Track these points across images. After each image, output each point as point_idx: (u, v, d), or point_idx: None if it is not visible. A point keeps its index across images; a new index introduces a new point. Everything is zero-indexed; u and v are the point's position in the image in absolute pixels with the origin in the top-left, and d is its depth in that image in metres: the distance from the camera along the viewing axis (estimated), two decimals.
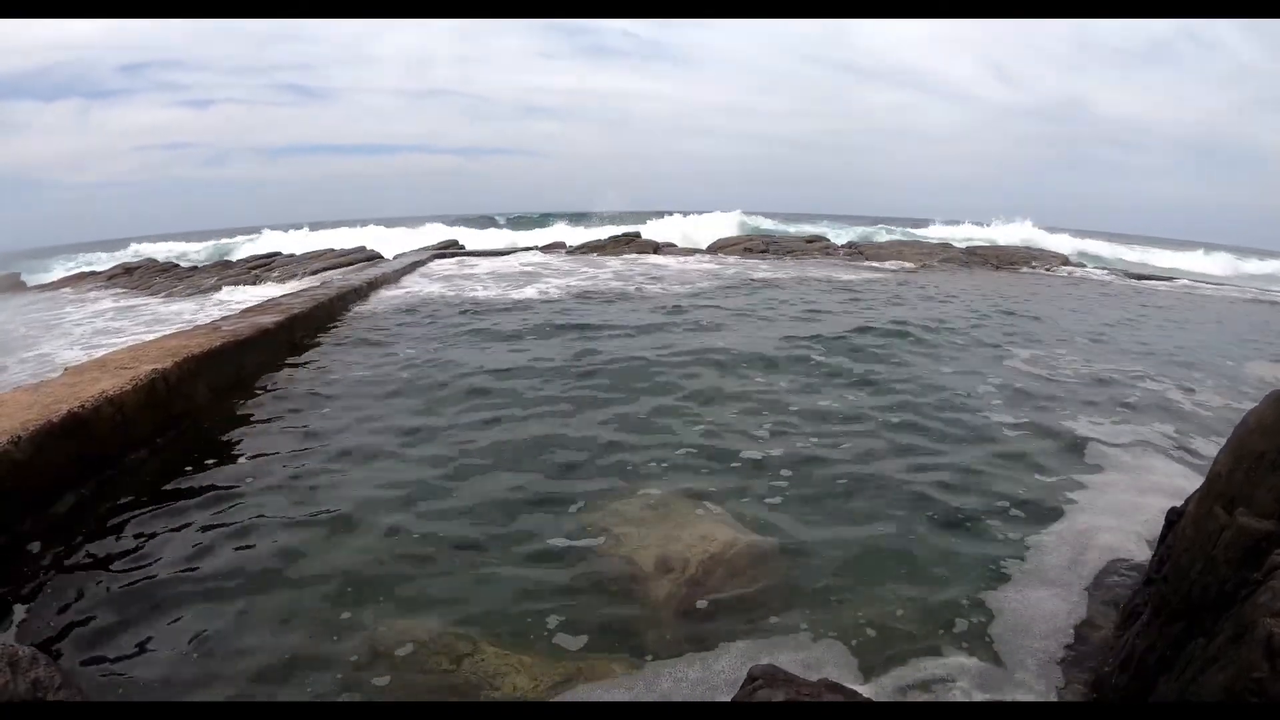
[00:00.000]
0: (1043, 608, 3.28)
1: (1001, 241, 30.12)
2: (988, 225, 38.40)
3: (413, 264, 17.89)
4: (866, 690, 2.70)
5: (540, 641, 3.07)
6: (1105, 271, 21.75)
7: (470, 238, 31.86)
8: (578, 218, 49.59)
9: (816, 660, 2.94)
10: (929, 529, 4.09)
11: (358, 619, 3.22)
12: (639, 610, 3.30)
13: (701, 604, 3.32)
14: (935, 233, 38.36)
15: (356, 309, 11.50)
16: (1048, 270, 20.49)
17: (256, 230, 46.87)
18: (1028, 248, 22.86)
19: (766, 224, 43.32)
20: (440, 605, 3.34)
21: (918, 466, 4.93)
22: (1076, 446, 5.35)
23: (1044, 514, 4.27)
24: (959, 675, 2.84)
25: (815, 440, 5.37)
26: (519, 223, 43.60)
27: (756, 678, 2.20)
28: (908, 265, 20.26)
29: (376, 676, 2.81)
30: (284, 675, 2.83)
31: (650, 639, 3.09)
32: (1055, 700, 2.68)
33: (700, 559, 3.62)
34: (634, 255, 21.73)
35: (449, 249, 24.59)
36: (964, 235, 34.70)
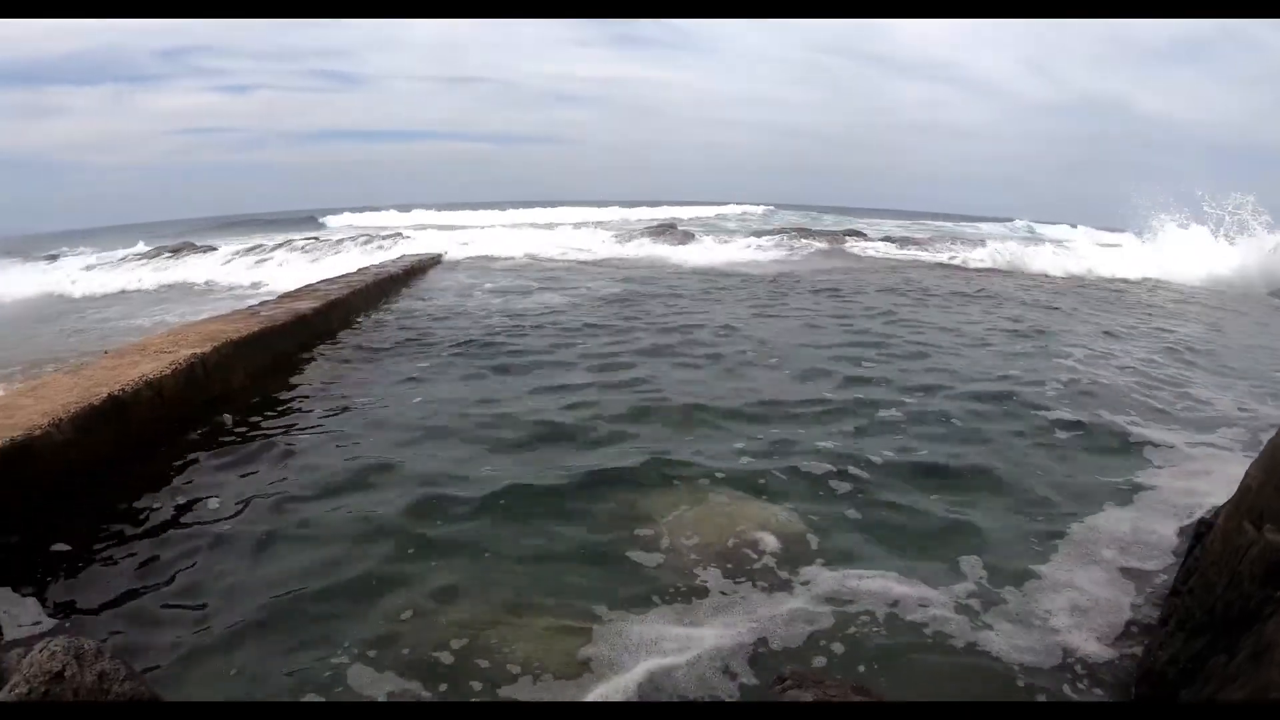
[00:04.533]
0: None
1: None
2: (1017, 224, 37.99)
3: (450, 252, 18.01)
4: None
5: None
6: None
7: (504, 224, 31.98)
8: (608, 205, 49.77)
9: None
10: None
11: (406, 594, 3.29)
12: None
13: None
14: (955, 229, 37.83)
15: (393, 296, 11.62)
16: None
17: (293, 215, 47.85)
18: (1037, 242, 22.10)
19: (794, 216, 43.29)
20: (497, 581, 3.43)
21: None
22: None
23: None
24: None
25: None
26: (553, 209, 43.82)
27: (785, 678, 2.23)
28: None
29: (434, 651, 2.90)
30: (331, 651, 2.90)
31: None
32: (1056, 701, 2.63)
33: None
34: (672, 245, 21.52)
35: (484, 234, 24.71)
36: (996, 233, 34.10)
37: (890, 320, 10.02)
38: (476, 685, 2.70)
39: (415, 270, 14.47)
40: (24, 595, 3.20)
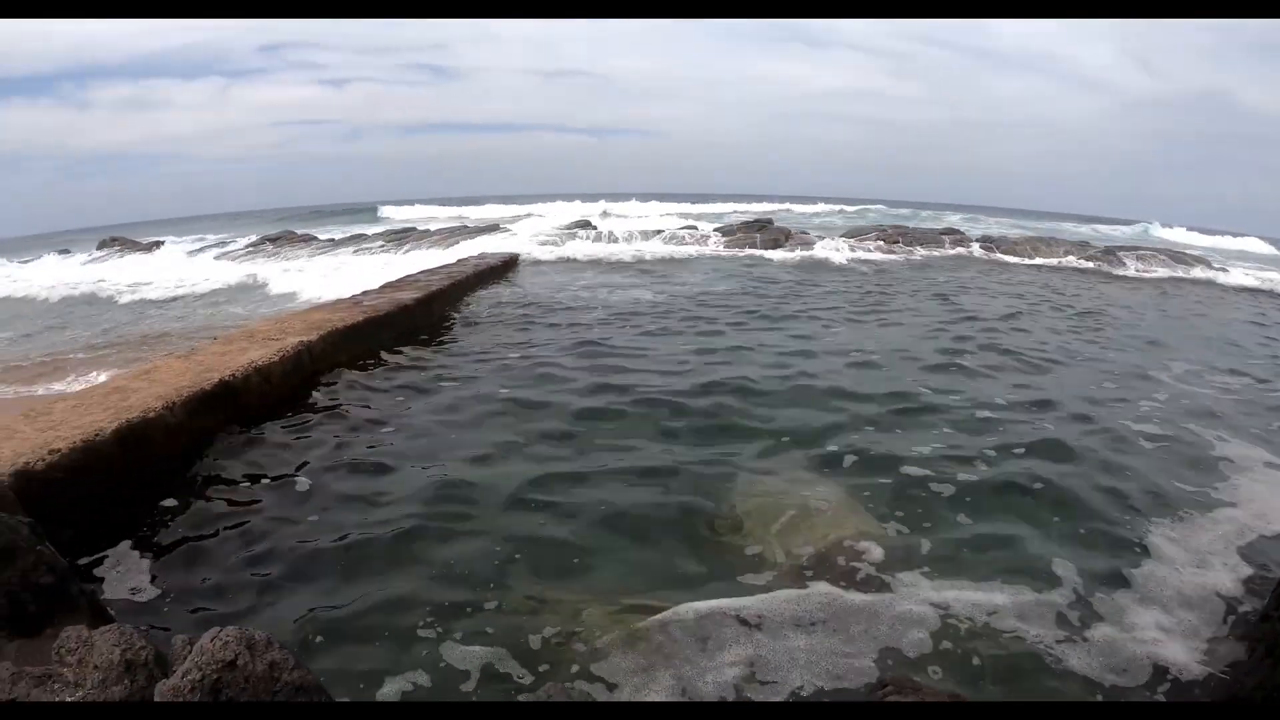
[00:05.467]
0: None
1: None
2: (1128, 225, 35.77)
3: (546, 243, 18.00)
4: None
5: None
6: None
7: (602, 215, 32.05)
8: (704, 199, 49.59)
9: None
10: None
11: (501, 575, 3.32)
12: None
13: None
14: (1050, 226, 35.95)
15: (492, 288, 11.62)
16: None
17: (391, 204, 49.44)
18: (1168, 251, 20.26)
19: (889, 212, 42.41)
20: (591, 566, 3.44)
21: None
22: None
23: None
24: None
25: None
26: (645, 202, 43.87)
27: (887, 684, 2.24)
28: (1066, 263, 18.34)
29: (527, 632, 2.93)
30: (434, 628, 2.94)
31: None
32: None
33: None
34: (774, 242, 20.96)
35: (583, 227, 24.70)
36: (1098, 233, 32.20)
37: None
38: (574, 668, 2.75)
39: (510, 264, 14.48)
40: (139, 559, 3.27)
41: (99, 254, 24.36)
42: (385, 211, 46.36)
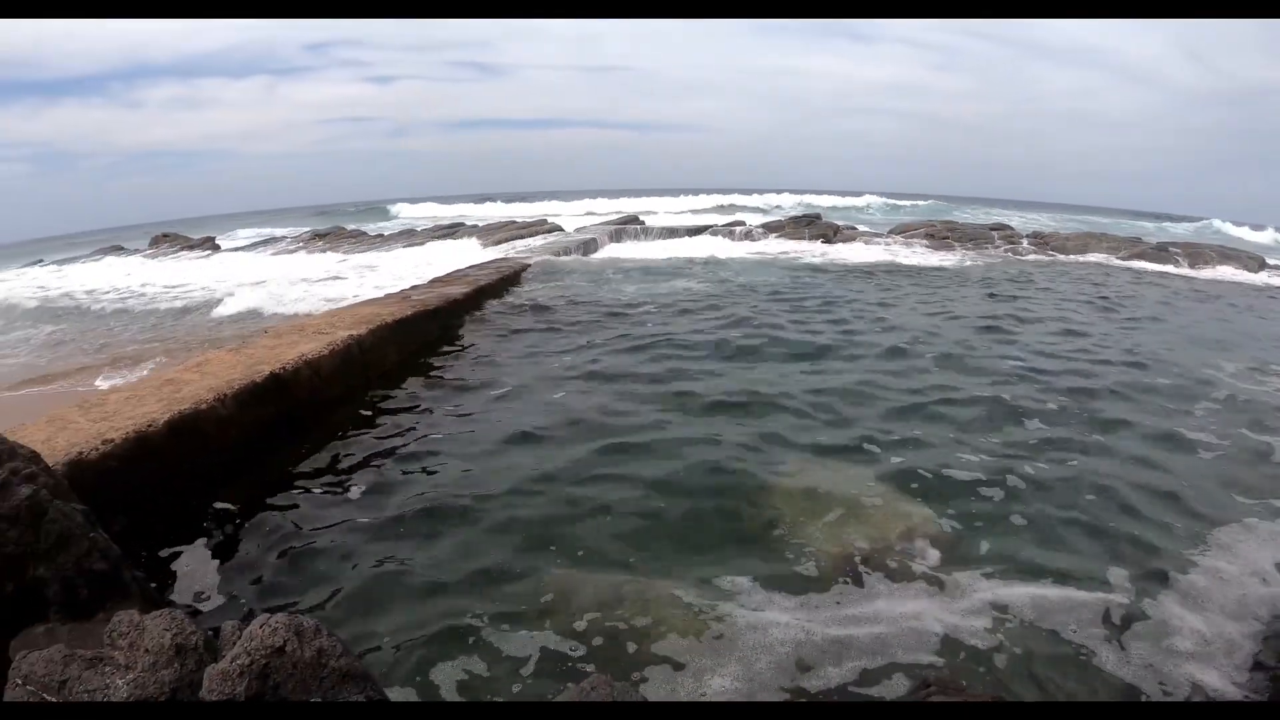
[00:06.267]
0: None
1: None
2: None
3: (593, 239, 17.88)
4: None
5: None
6: None
7: (645, 212, 32.00)
8: (749, 193, 49.26)
9: None
10: None
11: (536, 561, 3.32)
12: None
13: None
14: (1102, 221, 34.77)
15: (538, 283, 11.59)
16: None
17: (436, 200, 50.08)
18: (1222, 248, 19.14)
19: (925, 203, 41.71)
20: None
21: None
22: None
23: None
24: None
25: None
26: (690, 197, 43.76)
27: (930, 683, 2.23)
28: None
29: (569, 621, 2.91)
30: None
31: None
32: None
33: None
34: (822, 237, 20.61)
35: (629, 223, 24.61)
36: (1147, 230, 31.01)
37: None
38: (631, 647, 2.76)
39: (554, 261, 14.42)
40: (190, 548, 3.33)
41: (167, 250, 24.49)
42: (397, 210, 47.12)
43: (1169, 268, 16.67)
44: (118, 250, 26.54)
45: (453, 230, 23.36)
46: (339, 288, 12.94)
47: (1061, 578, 3.31)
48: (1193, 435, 5.19)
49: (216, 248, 24.77)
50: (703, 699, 2.49)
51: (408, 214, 43.91)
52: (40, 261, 26.36)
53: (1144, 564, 3.47)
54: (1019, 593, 3.18)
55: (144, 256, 23.62)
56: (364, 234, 24.71)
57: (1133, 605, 3.13)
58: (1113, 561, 3.47)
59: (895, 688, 2.58)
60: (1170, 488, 4.30)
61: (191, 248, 24.73)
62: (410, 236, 23.01)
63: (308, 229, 27.62)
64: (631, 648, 2.75)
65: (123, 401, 3.84)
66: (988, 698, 2.18)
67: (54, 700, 1.69)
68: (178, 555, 3.27)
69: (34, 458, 2.35)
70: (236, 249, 24.46)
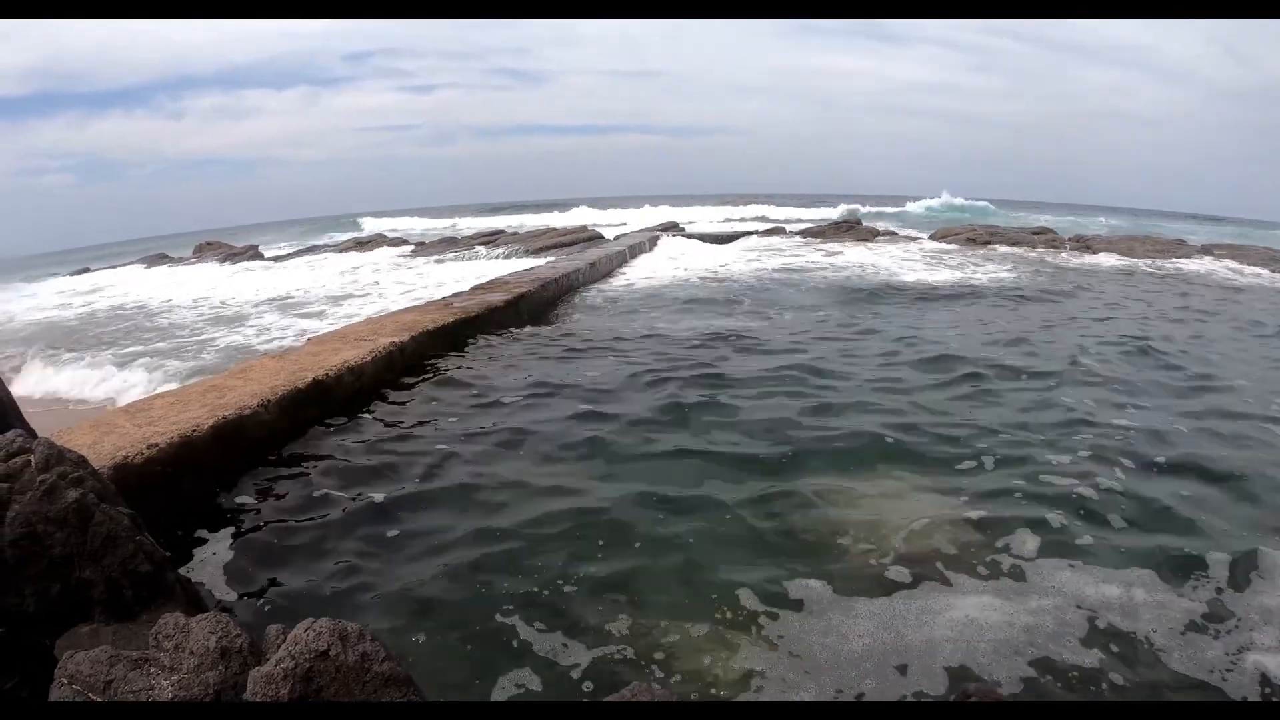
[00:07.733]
0: None
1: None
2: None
3: (635, 246, 17.81)
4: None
5: None
6: None
7: (687, 218, 32.01)
8: (785, 200, 49.03)
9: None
10: None
11: (572, 566, 3.24)
12: None
13: None
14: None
15: (581, 290, 11.60)
16: None
17: (476, 208, 50.62)
18: (1267, 246, 18.30)
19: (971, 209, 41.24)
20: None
21: None
22: None
23: None
24: None
25: None
26: (729, 202, 43.73)
27: (970, 694, 2.17)
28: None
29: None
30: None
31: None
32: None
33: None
34: (861, 242, 20.37)
35: (669, 230, 24.59)
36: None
37: None
38: (706, 660, 2.68)
39: (597, 265, 14.40)
40: (234, 552, 3.30)
41: (211, 260, 24.85)
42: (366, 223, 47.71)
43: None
44: (164, 259, 27.07)
45: (493, 238, 23.50)
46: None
47: (1127, 581, 3.18)
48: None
49: (260, 256, 25.24)
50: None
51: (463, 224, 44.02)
52: (87, 269, 27.04)
53: (1225, 572, 3.29)
54: (1080, 589, 3.11)
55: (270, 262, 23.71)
56: (404, 241, 24.99)
57: (1214, 611, 3.00)
58: (1194, 565, 3.32)
59: (929, 691, 2.52)
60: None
61: (234, 257, 25.17)
62: (450, 245, 23.13)
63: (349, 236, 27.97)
64: (706, 660, 2.67)
65: (168, 407, 3.90)
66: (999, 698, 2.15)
67: (99, 700, 1.69)
68: (221, 558, 3.27)
69: (81, 461, 2.37)
70: (278, 257, 24.84)
